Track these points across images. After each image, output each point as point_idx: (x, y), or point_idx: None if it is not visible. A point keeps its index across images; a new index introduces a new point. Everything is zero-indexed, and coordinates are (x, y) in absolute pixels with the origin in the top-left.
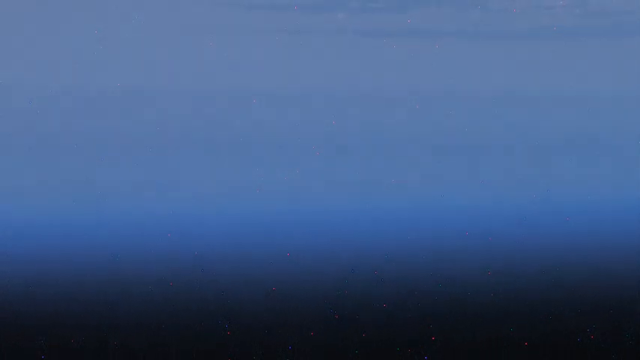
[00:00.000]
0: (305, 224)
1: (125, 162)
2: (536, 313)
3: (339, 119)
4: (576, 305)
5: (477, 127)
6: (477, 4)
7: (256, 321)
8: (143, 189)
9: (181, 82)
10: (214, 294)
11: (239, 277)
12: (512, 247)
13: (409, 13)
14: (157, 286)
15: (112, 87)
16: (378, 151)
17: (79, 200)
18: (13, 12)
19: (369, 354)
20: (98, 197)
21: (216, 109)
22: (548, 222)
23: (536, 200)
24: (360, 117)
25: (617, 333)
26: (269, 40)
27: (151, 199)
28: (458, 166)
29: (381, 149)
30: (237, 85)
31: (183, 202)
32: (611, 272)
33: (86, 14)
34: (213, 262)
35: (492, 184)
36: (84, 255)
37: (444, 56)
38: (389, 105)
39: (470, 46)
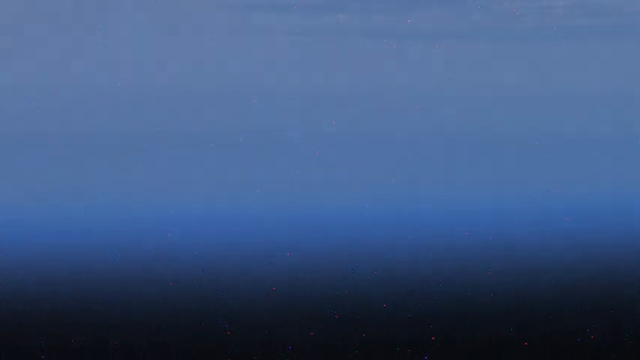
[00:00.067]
0: (305, 224)
1: (125, 162)
2: (536, 313)
3: (339, 119)
4: (576, 305)
5: (477, 127)
6: (477, 5)
7: (256, 321)
8: (143, 189)
9: (181, 82)
10: (214, 294)
11: (239, 277)
12: (512, 247)
13: (409, 14)
14: (157, 286)
15: (112, 87)
16: (378, 151)
17: (79, 200)
18: (13, 12)
19: (369, 354)
20: (98, 197)
21: (216, 109)
22: (548, 222)
23: (536, 200)
24: (360, 117)
25: (617, 333)
26: (269, 40)
27: (151, 199)
28: (458, 165)
29: (381, 149)
30: (237, 85)
31: (184, 202)
32: (611, 272)
33: (86, 14)
34: (213, 262)
35: (492, 184)
36: (83, 255)
37: (444, 56)
38: (389, 105)
39: (470, 47)
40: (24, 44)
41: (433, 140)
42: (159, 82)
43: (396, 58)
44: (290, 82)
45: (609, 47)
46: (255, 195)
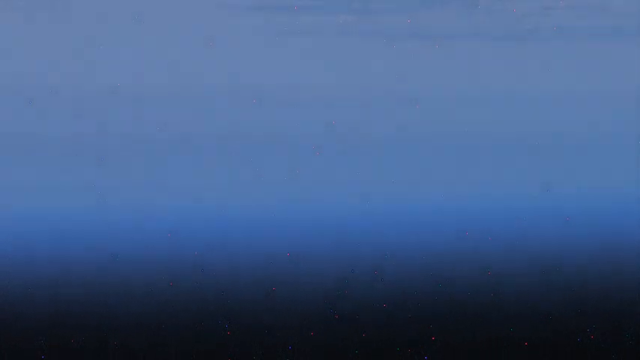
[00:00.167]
0: (305, 224)
1: (125, 162)
2: (536, 313)
3: (339, 119)
4: (576, 305)
5: (477, 127)
6: (477, 5)
7: (256, 321)
8: (143, 189)
9: (181, 82)
10: (214, 294)
11: (239, 277)
12: (512, 247)
13: (409, 14)
14: (157, 286)
15: (112, 87)
16: (378, 151)
17: (79, 200)
18: (13, 12)
19: (369, 354)
20: (98, 197)
21: (216, 109)
22: (548, 222)
23: (537, 200)
24: (361, 117)
25: (617, 333)
26: (269, 40)
27: (151, 199)
28: (458, 166)
29: (381, 149)
30: (237, 85)
31: (184, 202)
32: (611, 272)
33: (86, 14)
34: (213, 262)
35: (492, 183)
36: (84, 255)
37: (444, 57)
38: (389, 105)
39: (470, 47)
40: (24, 44)
41: (433, 140)
42: (159, 82)
43: (396, 58)
44: (290, 82)
45: (609, 47)
46: (255, 195)
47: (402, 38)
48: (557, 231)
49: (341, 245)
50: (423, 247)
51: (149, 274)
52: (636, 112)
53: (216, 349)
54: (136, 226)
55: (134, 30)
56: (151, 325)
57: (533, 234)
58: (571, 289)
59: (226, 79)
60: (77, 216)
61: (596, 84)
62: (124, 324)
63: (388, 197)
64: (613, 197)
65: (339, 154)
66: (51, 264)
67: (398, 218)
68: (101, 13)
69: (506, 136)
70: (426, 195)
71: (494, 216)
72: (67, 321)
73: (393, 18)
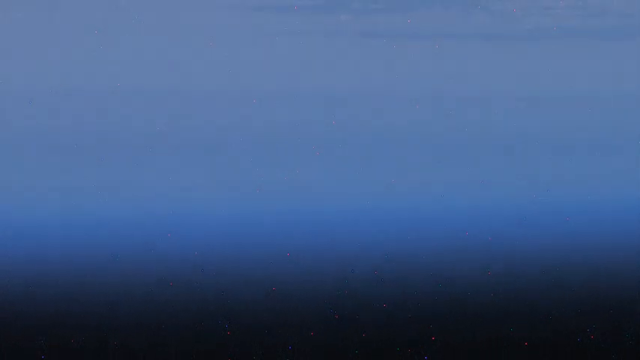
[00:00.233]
0: (305, 224)
1: (125, 162)
2: (536, 313)
3: (339, 119)
4: (576, 305)
5: (477, 127)
6: (477, 5)
7: (256, 321)
8: (143, 189)
9: (181, 82)
10: (214, 294)
11: (239, 277)
12: (512, 247)
13: (409, 14)
14: (157, 286)
15: (112, 87)
16: (378, 151)
17: (79, 200)
18: (12, 12)
19: (369, 354)
20: (98, 197)
21: (216, 109)
22: (548, 222)
23: (537, 200)
24: (360, 117)
25: (617, 333)
26: (269, 40)
27: (151, 199)
28: (458, 166)
29: (381, 149)
30: (237, 85)
31: (183, 202)
32: (611, 272)
33: (86, 14)
34: (213, 262)
35: (492, 184)
36: (84, 255)
37: (444, 57)
38: (389, 105)
39: (470, 47)
40: (24, 44)
41: (433, 140)
42: (159, 82)
43: (396, 58)
44: (290, 82)
45: (609, 47)
46: (255, 195)
47: (402, 38)
48: (557, 231)
49: (341, 245)
50: (422, 246)
51: (149, 274)
52: (637, 113)
53: (216, 349)
54: (136, 226)
55: (134, 30)
56: (151, 325)
57: (533, 234)
58: (571, 289)
59: (226, 79)
60: (77, 216)
61: (597, 84)
62: (124, 324)
63: (388, 197)
64: (613, 197)
65: (339, 154)
66: (51, 263)
67: (398, 218)
68: (100, 13)
69: (506, 136)
70: (426, 195)
71: (495, 216)
72: (67, 321)
73: (393, 18)
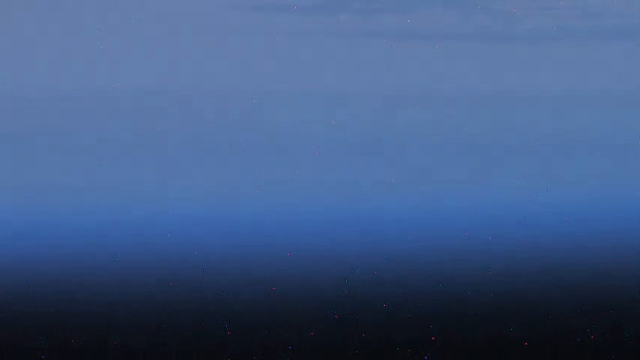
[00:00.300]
0: (305, 224)
1: (125, 162)
2: (536, 313)
3: (339, 119)
4: (576, 305)
5: (477, 127)
6: (477, 5)
7: (256, 321)
8: (143, 189)
9: (181, 82)
10: (214, 294)
11: (239, 277)
12: (512, 247)
13: (409, 14)
14: (157, 286)
15: (112, 87)
16: (378, 151)
17: (79, 200)
18: (12, 12)
19: (369, 354)
20: (98, 197)
21: (216, 109)
22: (548, 222)
23: (537, 200)
24: (360, 117)
25: (617, 333)
26: (269, 40)
27: (151, 199)
28: (458, 166)
29: (381, 149)
30: (237, 85)
31: (184, 202)
32: (611, 272)
33: (86, 14)
34: (213, 262)
35: (492, 184)
36: (84, 255)
37: (444, 57)
38: (389, 105)
39: (470, 47)
40: (24, 44)
41: (433, 140)
42: (159, 82)
43: (396, 58)
44: (290, 82)
45: (609, 47)
46: (255, 195)
47: (402, 38)
48: (557, 231)
49: (341, 245)
50: (423, 246)
51: (149, 274)
52: (637, 113)
53: (216, 349)
54: (136, 226)
55: (134, 30)
56: (151, 325)
57: (534, 234)
58: (571, 289)
59: (226, 79)
60: (77, 215)
61: (597, 84)
62: (124, 324)
63: (388, 197)
64: (613, 197)
65: (339, 154)
66: (51, 263)
67: (398, 218)
68: (100, 13)
69: (506, 136)
70: (426, 195)
71: (495, 216)
72: (67, 320)
73: (393, 18)
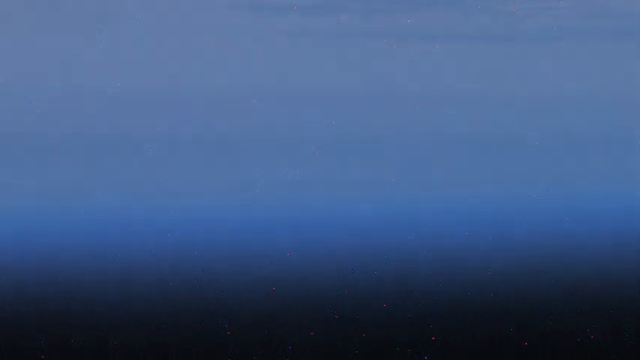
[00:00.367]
0: (305, 224)
1: (125, 162)
2: (536, 313)
3: (339, 119)
4: (576, 305)
5: (478, 127)
6: (477, 5)
7: (256, 321)
8: (143, 189)
9: (181, 82)
10: (214, 294)
11: (239, 277)
12: (512, 247)
13: (409, 14)
14: (157, 286)
15: (112, 87)
16: (378, 151)
17: (79, 200)
18: (13, 12)
19: (369, 354)
20: (98, 197)
21: (216, 109)
22: (548, 222)
23: (537, 200)
24: (360, 117)
25: (617, 333)
26: (269, 40)
27: (152, 199)
28: (458, 165)
29: (381, 149)
30: (237, 85)
31: (184, 202)
32: (611, 272)
33: (86, 14)
34: (213, 262)
35: (493, 183)
36: (84, 255)
37: (444, 57)
38: (389, 105)
39: (470, 47)
40: (24, 44)
41: (433, 140)
42: (159, 82)
43: (396, 58)
44: (290, 82)
45: (609, 47)
46: (255, 195)
47: (402, 38)
48: (557, 231)
49: (341, 245)
50: (423, 246)
51: (149, 274)
52: (637, 113)
53: (216, 349)
54: (137, 226)
55: (134, 30)
56: (151, 325)
57: (534, 234)
58: (571, 288)
59: (226, 79)
60: (77, 216)
61: (597, 84)
62: (124, 324)
63: (388, 197)
64: (613, 197)
65: (339, 154)
66: (51, 263)
67: (398, 218)
68: (100, 13)
69: (506, 136)
70: (426, 195)
71: (494, 216)
72: (67, 320)
73: (393, 18)
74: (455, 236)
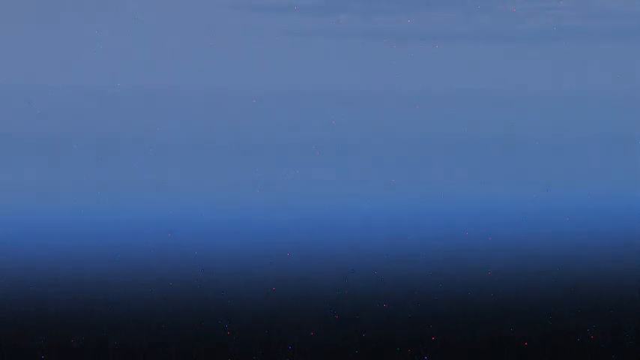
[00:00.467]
0: (305, 224)
1: (125, 162)
2: (536, 313)
3: (339, 119)
4: (576, 305)
5: (478, 127)
6: (477, 5)
7: (256, 321)
8: (144, 189)
9: (181, 82)
10: (214, 294)
11: (239, 277)
12: (512, 247)
13: (409, 14)
14: (157, 286)
15: (112, 87)
16: (378, 151)
17: (79, 200)
18: (13, 12)
19: (369, 354)
20: (98, 197)
21: (216, 110)
22: (548, 222)
23: (537, 200)
24: (361, 117)
25: (617, 333)
26: (269, 40)
27: (152, 199)
28: (458, 166)
29: (381, 149)
30: (237, 85)
31: (184, 202)
32: (611, 272)
33: (86, 14)
34: (213, 262)
35: (492, 184)
36: (84, 255)
37: (444, 57)
38: (389, 105)
39: (470, 47)
40: (24, 44)
41: (433, 140)
42: (159, 82)
43: (396, 58)
44: (290, 82)
45: (609, 47)
46: (255, 195)
47: (402, 38)
48: (557, 231)
49: (341, 245)
50: (422, 246)
51: (149, 274)
52: (637, 113)
53: (216, 349)
54: (137, 226)
55: (134, 30)
56: (151, 325)
57: (533, 234)
58: (571, 288)
59: (226, 79)
60: (77, 216)
61: (597, 84)
62: (124, 324)
63: (388, 197)
64: (613, 197)
65: (339, 154)
66: (51, 263)
67: (398, 218)
68: (101, 13)
69: (506, 137)
70: (426, 195)
71: (494, 216)
72: (67, 320)
73: (393, 18)
74: (455, 236)
